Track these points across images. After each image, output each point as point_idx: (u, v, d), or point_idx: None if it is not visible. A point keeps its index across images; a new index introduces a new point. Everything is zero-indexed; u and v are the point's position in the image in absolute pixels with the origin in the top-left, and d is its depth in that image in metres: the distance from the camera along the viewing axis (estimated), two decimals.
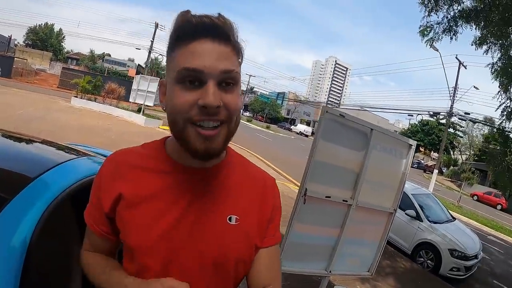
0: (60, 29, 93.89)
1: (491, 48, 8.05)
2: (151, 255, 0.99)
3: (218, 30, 0.92)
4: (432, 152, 61.93)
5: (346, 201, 3.80)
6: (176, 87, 0.93)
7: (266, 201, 1.17)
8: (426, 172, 51.75)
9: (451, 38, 8.20)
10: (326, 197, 3.62)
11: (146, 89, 22.77)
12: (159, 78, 25.47)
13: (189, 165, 1.06)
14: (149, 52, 37.72)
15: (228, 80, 0.93)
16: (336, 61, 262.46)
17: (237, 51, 0.98)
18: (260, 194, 1.17)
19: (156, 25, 37.55)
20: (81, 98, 25.53)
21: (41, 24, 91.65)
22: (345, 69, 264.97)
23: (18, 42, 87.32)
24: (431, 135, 59.51)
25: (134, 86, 23.92)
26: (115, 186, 1.03)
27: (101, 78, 30.55)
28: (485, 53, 8.16)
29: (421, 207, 9.15)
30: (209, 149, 0.94)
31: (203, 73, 0.90)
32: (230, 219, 1.06)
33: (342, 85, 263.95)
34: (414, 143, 4.43)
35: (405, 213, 9.00)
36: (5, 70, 39.40)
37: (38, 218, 1.28)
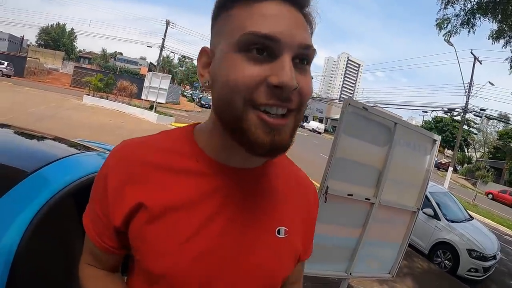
0: (72, 29, 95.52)
1: (510, 42, 7.87)
2: (182, 283, 0.76)
3: None
4: (446, 149, 61.37)
5: (369, 199, 3.64)
6: (236, 56, 0.69)
7: (311, 210, 0.98)
8: (440, 169, 51.29)
9: (469, 31, 8.07)
10: (348, 195, 3.46)
11: (158, 86, 22.76)
12: (170, 75, 25.61)
13: (230, 164, 0.83)
14: (161, 50, 37.75)
15: (304, 58, 0.73)
16: (348, 57, 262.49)
17: (309, 24, 0.77)
18: (305, 201, 0.97)
19: (167, 23, 37.60)
20: (93, 96, 25.63)
21: (53, 24, 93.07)
22: (357, 66, 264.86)
23: (31, 43, 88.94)
24: (445, 132, 58.86)
25: (146, 84, 23.98)
26: (130, 192, 0.78)
27: (113, 76, 30.67)
28: (503, 47, 7.98)
29: (438, 205, 8.93)
30: (276, 143, 0.70)
31: (279, 42, 0.68)
32: (279, 231, 0.86)
33: (354, 82, 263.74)
34: (438, 138, 4.25)
35: (423, 212, 8.73)
36: (18, 69, 39.53)
37: (31, 216, 1.16)
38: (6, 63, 37.33)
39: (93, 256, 0.91)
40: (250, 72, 0.67)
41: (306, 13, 0.75)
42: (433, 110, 33.92)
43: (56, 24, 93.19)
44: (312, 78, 0.77)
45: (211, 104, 0.84)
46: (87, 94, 25.99)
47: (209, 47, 0.81)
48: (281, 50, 0.68)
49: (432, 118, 59.68)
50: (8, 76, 36.43)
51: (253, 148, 0.71)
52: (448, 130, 58.40)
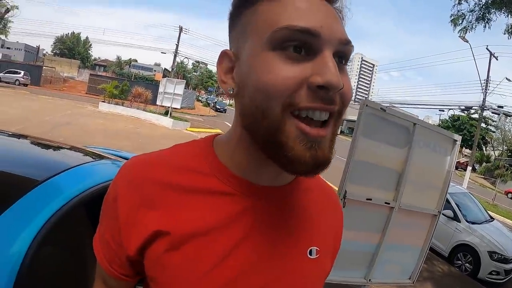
0: (87, 38, 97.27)
1: None
2: None
3: None
4: (464, 148, 60.62)
5: (389, 203, 3.56)
6: (269, 56, 0.60)
7: (339, 225, 0.91)
8: (459, 169, 50.65)
9: (485, 26, 7.99)
10: (367, 199, 3.39)
11: (172, 92, 22.92)
12: (185, 81, 25.79)
13: (257, 182, 0.72)
14: (175, 56, 38.05)
15: (344, 55, 0.64)
16: (362, 57, 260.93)
17: (341, 19, 0.68)
18: (336, 217, 0.88)
19: (180, 29, 37.91)
20: (109, 103, 25.93)
21: (68, 33, 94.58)
22: (371, 66, 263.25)
23: (47, 52, 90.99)
24: (463, 131, 58.04)
25: (160, 89, 24.18)
26: (145, 218, 0.69)
27: (127, 82, 30.93)
28: None
29: (458, 206, 8.78)
30: (318, 159, 0.60)
31: (319, 37, 0.59)
32: (310, 252, 0.76)
33: (369, 82, 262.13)
34: (459, 138, 4.16)
35: (442, 214, 8.57)
36: (34, 78, 40.19)
37: (40, 226, 1.13)
38: (22, 72, 38.02)
39: (104, 283, 0.81)
40: (289, 73, 0.58)
41: (337, 7, 0.67)
42: (450, 109, 33.51)
43: (71, 33, 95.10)
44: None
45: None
46: (102, 101, 26.35)
47: (227, 49, 0.71)
48: (321, 46, 0.59)
49: (449, 117, 58.94)
50: (25, 85, 37.10)
51: (292, 166, 0.61)
52: (466, 129, 57.53)
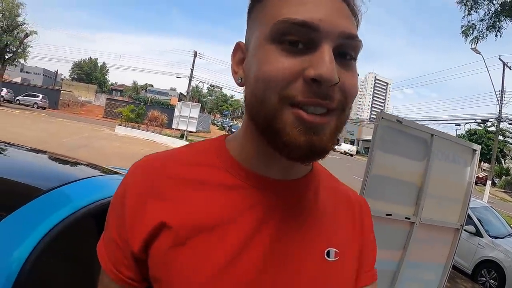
0: (104, 63, 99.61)
1: None
2: None
3: None
4: (482, 162, 59.75)
5: (409, 218, 3.46)
6: (269, 48, 0.61)
7: (366, 229, 0.84)
8: (478, 184, 49.82)
9: (496, 35, 7.99)
10: (387, 215, 3.29)
11: (188, 115, 23.23)
12: (200, 104, 26.11)
13: (268, 175, 0.71)
14: (190, 80, 38.71)
15: (348, 50, 0.63)
16: (375, 76, 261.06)
17: (354, 15, 0.66)
18: (358, 219, 0.82)
19: (195, 54, 38.63)
20: (125, 127, 26.37)
21: (85, 58, 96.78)
22: (385, 84, 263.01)
23: (65, 76, 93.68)
24: (480, 145, 57.23)
25: (176, 113, 24.54)
26: (152, 209, 0.66)
27: (144, 106, 31.81)
28: None
29: (480, 221, 8.57)
30: (314, 145, 0.59)
31: (317, 30, 0.58)
32: (328, 253, 0.72)
33: (383, 101, 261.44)
34: (478, 147, 4.07)
35: (464, 229, 8.38)
36: (52, 102, 41.60)
37: (44, 233, 1.11)
38: (41, 95, 39.59)
39: None
40: (284, 64, 0.59)
41: (350, 2, 0.65)
42: (466, 123, 33.25)
43: (88, 59, 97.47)
44: (358, 75, 0.67)
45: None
46: (119, 125, 26.83)
47: (240, 41, 0.74)
48: (320, 40, 0.59)
49: (466, 131, 58.33)
50: (43, 108, 38.55)
51: (287, 150, 0.61)
52: (483, 143, 56.60)
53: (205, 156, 0.74)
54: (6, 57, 32.38)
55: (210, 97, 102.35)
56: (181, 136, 23.97)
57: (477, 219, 8.56)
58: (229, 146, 0.76)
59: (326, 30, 0.58)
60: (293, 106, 0.59)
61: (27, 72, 77.78)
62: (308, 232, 0.71)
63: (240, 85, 0.70)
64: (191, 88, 41.58)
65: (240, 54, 0.72)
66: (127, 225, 0.68)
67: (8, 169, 1.66)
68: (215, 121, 74.16)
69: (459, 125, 38.21)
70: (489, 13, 7.80)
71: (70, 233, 1.23)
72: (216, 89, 70.88)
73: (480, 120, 28.54)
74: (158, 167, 0.71)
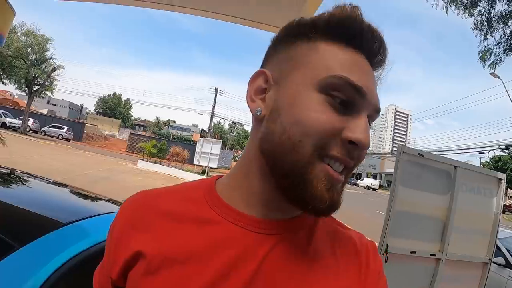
0: (128, 99, 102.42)
1: None
2: None
3: (384, 51, 0.67)
4: (509, 189, 58.24)
5: (435, 255, 3.34)
6: (315, 96, 0.61)
7: (373, 274, 0.74)
8: (506, 212, 48.38)
9: None
10: (411, 252, 3.19)
11: (209, 152, 23.45)
12: (221, 141, 26.39)
13: (259, 216, 0.68)
14: (211, 117, 39.42)
15: (371, 120, 0.67)
16: (396, 108, 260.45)
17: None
18: (364, 264, 0.74)
19: (216, 91, 39.47)
20: (147, 161, 26.71)
21: (110, 94, 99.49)
22: (406, 116, 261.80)
23: (90, 110, 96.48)
24: (506, 171, 55.76)
25: (197, 149, 24.85)
26: (133, 241, 0.68)
27: (165, 142, 32.40)
28: None
29: (509, 252, 8.18)
30: (334, 200, 0.61)
31: (364, 98, 0.61)
32: None
33: (405, 132, 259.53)
34: (503, 176, 3.96)
35: (492, 262, 8.05)
36: (77, 134, 43.31)
37: (58, 265, 1.14)
38: (66, 127, 41.41)
39: None
40: (330, 118, 0.60)
41: (378, 75, 0.69)
42: (490, 150, 32.87)
43: (113, 94, 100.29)
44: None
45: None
46: (141, 159, 27.23)
47: (265, 69, 0.70)
48: (362, 107, 0.62)
49: (490, 158, 57.27)
50: (68, 140, 40.08)
51: (312, 204, 0.60)
52: (509, 169, 55.41)
53: (193, 193, 0.74)
54: (34, 89, 34.55)
55: (231, 134, 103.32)
56: (203, 172, 24.09)
57: (507, 250, 8.19)
58: (219, 184, 0.76)
59: (369, 100, 0.62)
60: (322, 160, 0.60)
61: (53, 104, 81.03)
62: (302, 277, 0.66)
63: (258, 117, 0.68)
64: (212, 124, 42.20)
65: (262, 83, 0.69)
66: (111, 254, 0.71)
67: (29, 200, 1.75)
68: (237, 158, 74.78)
69: (483, 153, 37.71)
70: (505, 35, 7.83)
71: (86, 267, 1.23)
72: (237, 125, 71.71)
73: (504, 146, 28.12)
74: (148, 201, 0.73)
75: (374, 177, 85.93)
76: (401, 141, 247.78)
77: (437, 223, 3.38)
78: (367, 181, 70.17)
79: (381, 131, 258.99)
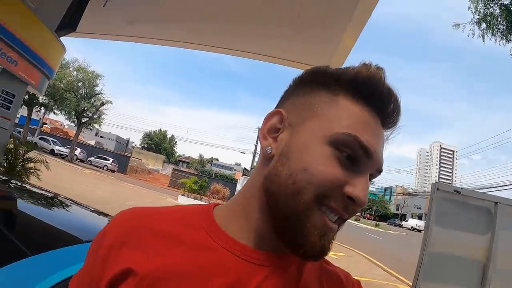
0: (173, 135, 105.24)
1: None
2: None
3: (397, 115, 0.70)
4: None
5: None
6: (325, 149, 0.64)
7: None
8: None
9: None
10: None
11: None
12: None
13: (250, 245, 0.71)
14: (253, 156, 39.82)
15: (372, 178, 0.71)
16: (441, 145, 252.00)
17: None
18: None
19: (258, 130, 39.54)
20: (188, 197, 27.19)
21: (156, 130, 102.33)
22: (451, 152, 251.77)
23: (136, 144, 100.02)
24: None
25: (238, 187, 24.98)
26: (124, 256, 0.67)
27: (206, 179, 33.08)
28: None
29: None
30: (324, 248, 0.64)
31: (370, 159, 0.65)
32: None
33: (451, 170, 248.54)
34: None
35: None
36: (121, 167, 45.20)
37: (67, 276, 1.18)
38: (111, 159, 43.51)
39: None
40: (336, 172, 0.63)
41: (387, 135, 0.72)
42: None
43: (158, 130, 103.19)
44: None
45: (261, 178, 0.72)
46: (182, 195, 27.83)
47: (282, 110, 0.72)
48: (366, 166, 0.65)
49: None
50: (112, 171, 41.93)
51: (303, 249, 0.64)
52: None
53: (190, 217, 0.75)
54: (83, 120, 36.90)
55: None
56: None
57: None
58: (217, 211, 0.77)
59: (374, 161, 0.66)
60: (320, 208, 0.63)
61: (101, 137, 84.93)
62: None
63: (267, 155, 0.70)
64: (254, 164, 42.53)
65: (276, 123, 0.71)
66: (98, 266, 0.69)
67: (59, 219, 1.92)
68: None
69: None
70: None
71: None
72: None
73: None
74: (143, 219, 0.73)
75: (420, 217, 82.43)
76: (447, 179, 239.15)
77: (477, 265, 3.13)
78: (411, 222, 67.36)
79: (426, 169, 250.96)
